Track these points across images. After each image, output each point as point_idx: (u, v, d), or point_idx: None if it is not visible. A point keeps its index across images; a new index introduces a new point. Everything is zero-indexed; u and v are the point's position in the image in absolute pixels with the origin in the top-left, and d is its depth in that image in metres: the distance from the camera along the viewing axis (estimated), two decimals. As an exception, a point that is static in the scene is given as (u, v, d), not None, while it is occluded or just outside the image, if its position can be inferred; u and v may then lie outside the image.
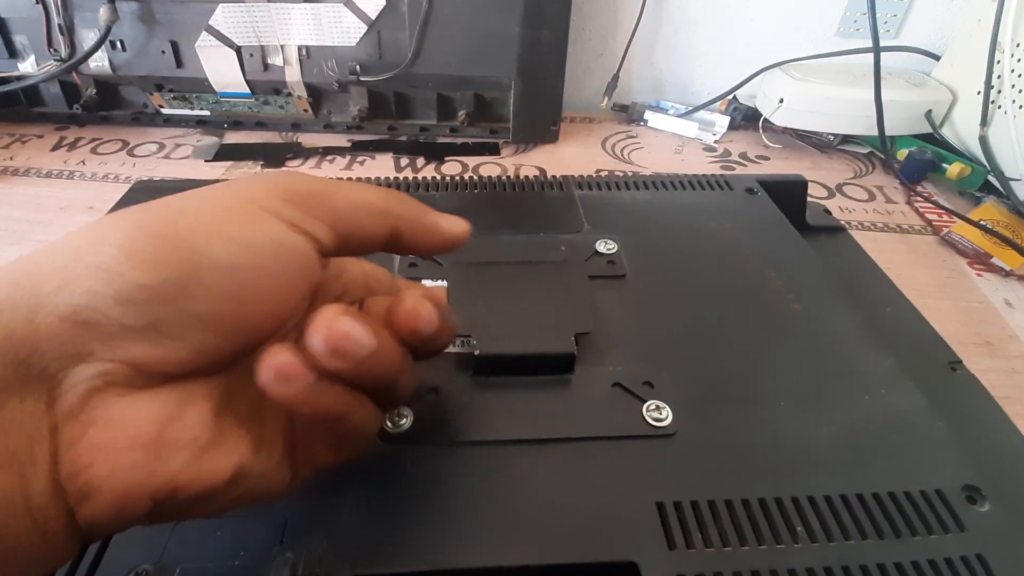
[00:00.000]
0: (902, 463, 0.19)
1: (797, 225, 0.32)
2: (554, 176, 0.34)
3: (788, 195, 0.33)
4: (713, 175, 0.35)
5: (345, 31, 0.45)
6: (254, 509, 0.15)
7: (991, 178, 0.45)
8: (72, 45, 0.47)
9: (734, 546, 0.17)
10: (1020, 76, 0.43)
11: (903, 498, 0.18)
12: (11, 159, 0.48)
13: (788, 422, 0.20)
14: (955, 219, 0.43)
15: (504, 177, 0.34)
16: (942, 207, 0.44)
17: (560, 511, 0.18)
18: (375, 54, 0.46)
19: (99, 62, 0.47)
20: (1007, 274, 0.39)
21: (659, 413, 0.20)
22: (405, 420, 0.20)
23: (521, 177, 0.34)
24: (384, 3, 0.44)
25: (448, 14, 0.44)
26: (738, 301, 0.26)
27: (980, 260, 0.40)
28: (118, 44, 0.47)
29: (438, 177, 0.34)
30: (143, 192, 0.32)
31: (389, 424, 0.19)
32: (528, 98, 0.49)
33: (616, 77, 0.55)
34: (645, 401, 0.20)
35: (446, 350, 0.20)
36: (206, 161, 0.48)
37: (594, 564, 0.16)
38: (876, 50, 0.45)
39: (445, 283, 0.25)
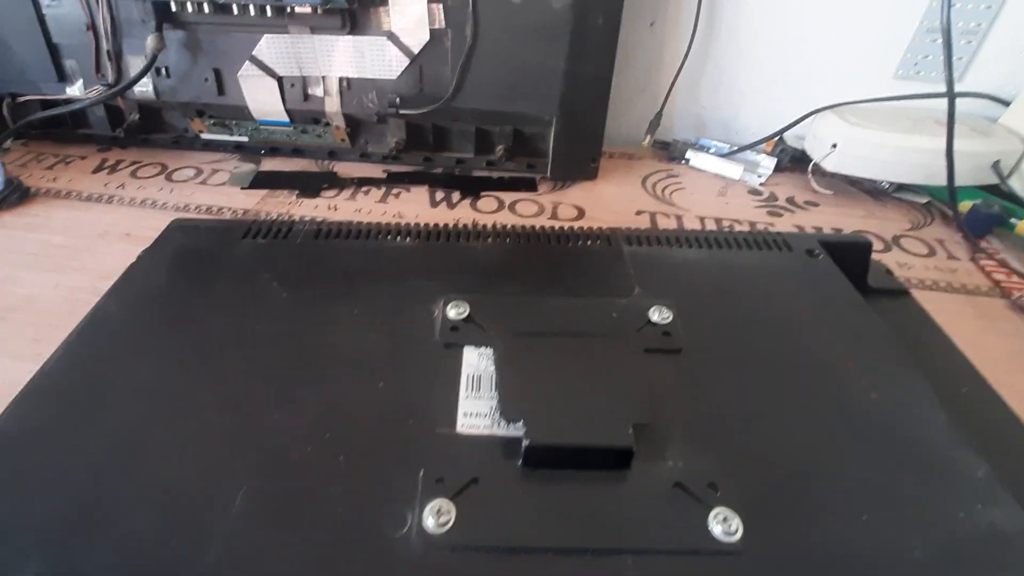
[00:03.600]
0: None
1: (858, 288, 0.30)
2: (600, 228, 0.32)
3: (851, 258, 0.31)
4: (770, 233, 0.32)
5: (387, 64, 0.45)
6: None
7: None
8: (119, 71, 0.47)
9: None
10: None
11: None
12: (54, 180, 0.48)
13: (872, 541, 0.18)
14: (1027, 281, 0.40)
15: (548, 229, 0.32)
16: (1011, 268, 0.41)
17: None
18: (416, 87, 0.46)
19: (144, 87, 0.48)
20: (1089, 347, 0.36)
21: (728, 525, 0.18)
22: (448, 519, 0.18)
23: (566, 228, 0.32)
24: (428, 38, 0.43)
25: (491, 49, 0.43)
26: (806, 384, 0.23)
27: (1058, 329, 0.37)
28: (163, 71, 0.47)
29: (479, 225, 0.32)
30: (180, 231, 0.32)
31: (432, 522, 0.18)
32: (568, 135, 0.47)
33: (659, 114, 0.53)
34: (711, 508, 0.18)
35: (493, 433, 0.18)
36: (242, 188, 0.48)
37: None
38: (951, 95, 0.43)
39: (492, 351, 0.23)
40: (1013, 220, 0.44)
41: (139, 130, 0.51)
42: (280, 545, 0.18)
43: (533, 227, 0.32)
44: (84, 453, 0.20)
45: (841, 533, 0.18)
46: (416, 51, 0.44)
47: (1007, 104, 0.48)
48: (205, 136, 0.51)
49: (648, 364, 0.23)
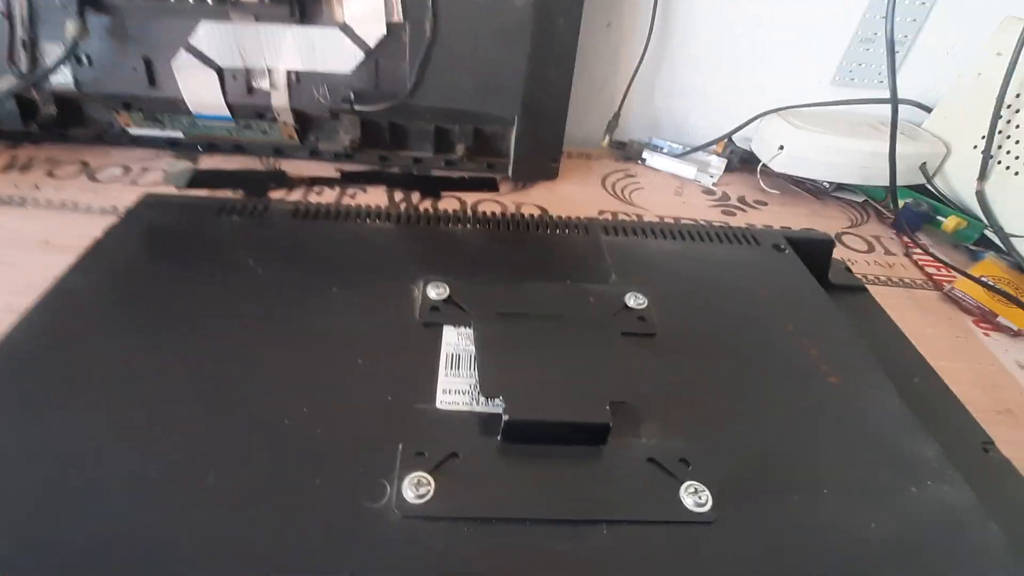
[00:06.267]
0: (951, 564, 0.18)
1: (820, 282, 0.31)
2: (579, 218, 0.32)
3: (814, 254, 0.32)
4: (740, 228, 0.33)
5: (340, 58, 0.42)
6: None
7: (988, 233, 0.46)
8: (34, 59, 0.42)
9: None
10: (1020, 134, 0.44)
11: None
12: (-48, 180, 0.43)
13: (833, 515, 0.19)
14: (955, 274, 0.43)
15: (528, 216, 0.32)
16: (941, 261, 0.45)
17: None
18: (371, 83, 0.44)
19: (62, 78, 0.43)
20: (1015, 334, 0.39)
21: (699, 498, 0.18)
22: (427, 491, 0.17)
23: (544, 217, 0.32)
24: (384, 31, 0.41)
25: (451, 45, 0.42)
26: (773, 368, 0.24)
27: (986, 319, 0.40)
28: (84, 59, 0.42)
29: (459, 211, 0.32)
30: (153, 208, 0.29)
31: (411, 494, 0.17)
32: (530, 135, 0.47)
33: (617, 115, 0.53)
34: (682, 482, 0.19)
35: (472, 409, 0.19)
36: (178, 188, 0.44)
37: None
38: (894, 101, 0.45)
39: (471, 331, 0.23)
40: (940, 218, 0.48)
41: (56, 124, 0.45)
42: (256, 518, 0.17)
43: (513, 214, 0.32)
44: (49, 430, 0.19)
45: (804, 506, 0.19)
46: (372, 45, 0.42)
47: (930, 110, 0.52)
48: (133, 131, 0.47)
49: (624, 346, 0.24)
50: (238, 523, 0.17)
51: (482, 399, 0.21)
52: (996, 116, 0.44)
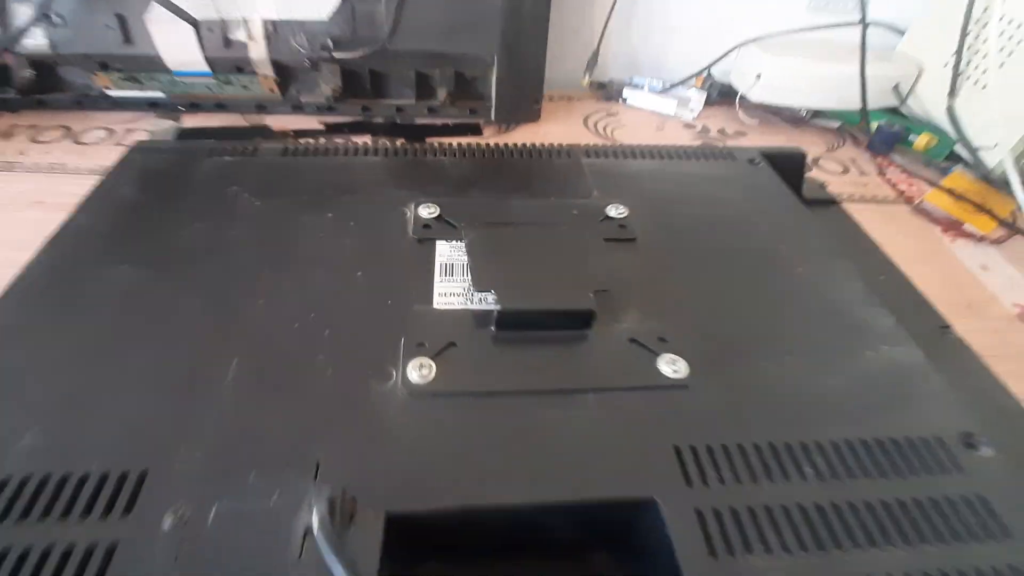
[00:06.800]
0: (903, 412, 0.20)
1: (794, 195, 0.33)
2: (560, 144, 0.33)
3: (788, 167, 0.34)
4: (716, 147, 0.35)
5: (316, 4, 0.42)
6: (286, 451, 0.17)
7: (957, 148, 0.47)
8: (4, 22, 0.42)
9: (747, 484, 0.17)
10: (996, 49, 0.45)
11: (905, 443, 0.19)
12: (-65, 149, 0.43)
13: (797, 375, 0.21)
14: (925, 189, 0.45)
15: (512, 144, 0.33)
16: (913, 177, 0.46)
17: (582, 454, 0.18)
18: (349, 29, 0.44)
19: (36, 40, 0.42)
20: (980, 239, 0.41)
21: (675, 367, 0.20)
22: (429, 372, 0.19)
23: (529, 144, 0.33)
24: (358, -27, 0.41)
25: (426, -14, 0.42)
26: (745, 265, 0.26)
27: (953, 227, 0.42)
28: (56, 19, 0.42)
29: (444, 144, 0.33)
30: (145, 153, 0.30)
31: (415, 375, 0.19)
32: (510, 76, 0.47)
33: (596, 54, 0.54)
34: (660, 354, 0.20)
35: (467, 308, 0.21)
36: (165, 147, 0.44)
37: (616, 501, 0.17)
38: (863, 23, 0.46)
39: (463, 243, 0.24)
40: (912, 137, 0.49)
41: (34, 90, 0.45)
42: (275, 406, 0.18)
43: (496, 144, 0.33)
44: (72, 342, 0.20)
45: (770, 369, 0.21)
46: (346, -12, 0.42)
47: (903, 33, 0.53)
48: (113, 93, 0.47)
49: (606, 248, 0.25)
50: (258, 410, 0.18)
51: (476, 298, 0.22)
52: (964, 33, 0.45)
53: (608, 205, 0.27)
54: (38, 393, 0.19)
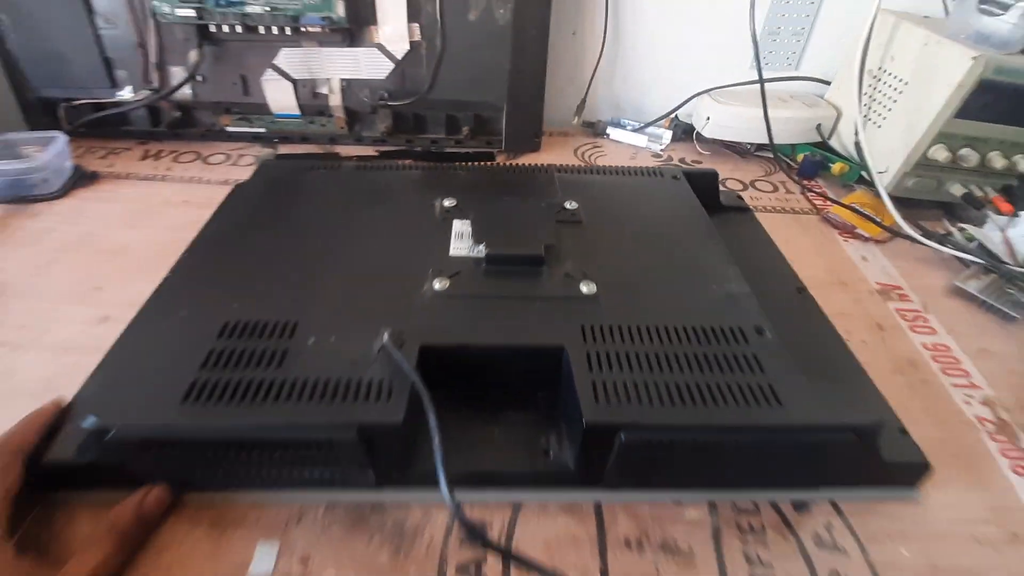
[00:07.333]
0: (724, 314, 0.34)
1: (713, 204, 0.47)
2: (540, 164, 0.48)
3: (703, 183, 0.48)
4: (651, 167, 0.50)
5: (377, 68, 0.60)
6: (368, 317, 0.31)
7: (863, 173, 0.60)
8: (163, 78, 0.60)
9: (618, 343, 0.31)
10: (887, 97, 0.59)
11: (719, 329, 0.32)
12: (111, 167, 0.61)
13: (663, 295, 0.35)
14: (831, 203, 0.58)
15: (507, 164, 0.48)
16: (828, 197, 0.60)
17: (531, 327, 0.32)
18: (399, 84, 0.61)
19: (183, 91, 0.61)
20: (866, 240, 0.54)
21: (589, 287, 0.35)
22: (446, 284, 0.34)
23: (516, 163, 0.49)
24: (408, 47, 0.58)
25: (456, 53, 0.59)
26: (651, 241, 0.41)
27: (848, 231, 0.55)
28: (199, 77, 0.60)
29: (468, 164, 0.49)
30: (268, 166, 0.48)
31: (438, 285, 0.34)
32: (516, 117, 0.63)
33: (583, 100, 0.70)
34: (581, 281, 0.35)
35: (469, 255, 0.36)
36: (265, 167, 0.61)
37: (546, 347, 0.31)
38: (761, 81, 0.61)
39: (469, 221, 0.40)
40: (831, 165, 0.63)
41: (176, 126, 0.63)
42: (360, 295, 0.34)
43: (498, 163, 0.49)
44: (242, 262, 0.37)
45: (651, 294, 0.35)
46: (400, 57, 0.59)
47: (828, 83, 0.68)
48: (230, 129, 0.65)
49: (560, 226, 0.40)
50: (352, 297, 0.34)
51: (475, 250, 0.37)
52: (860, 86, 0.59)
53: (566, 201, 0.42)
54: (229, 286, 0.34)
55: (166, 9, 0.55)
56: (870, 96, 0.60)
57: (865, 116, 0.60)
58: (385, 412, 0.27)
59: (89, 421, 0.27)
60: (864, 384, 0.34)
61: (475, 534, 0.27)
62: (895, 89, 0.57)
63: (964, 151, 0.53)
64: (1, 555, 0.24)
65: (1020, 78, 0.49)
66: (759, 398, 0.29)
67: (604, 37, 0.67)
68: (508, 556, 0.27)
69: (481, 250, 0.37)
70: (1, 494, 0.26)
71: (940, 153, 0.53)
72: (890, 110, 0.58)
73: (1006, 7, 0.49)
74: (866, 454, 0.30)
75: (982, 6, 0.50)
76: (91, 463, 0.27)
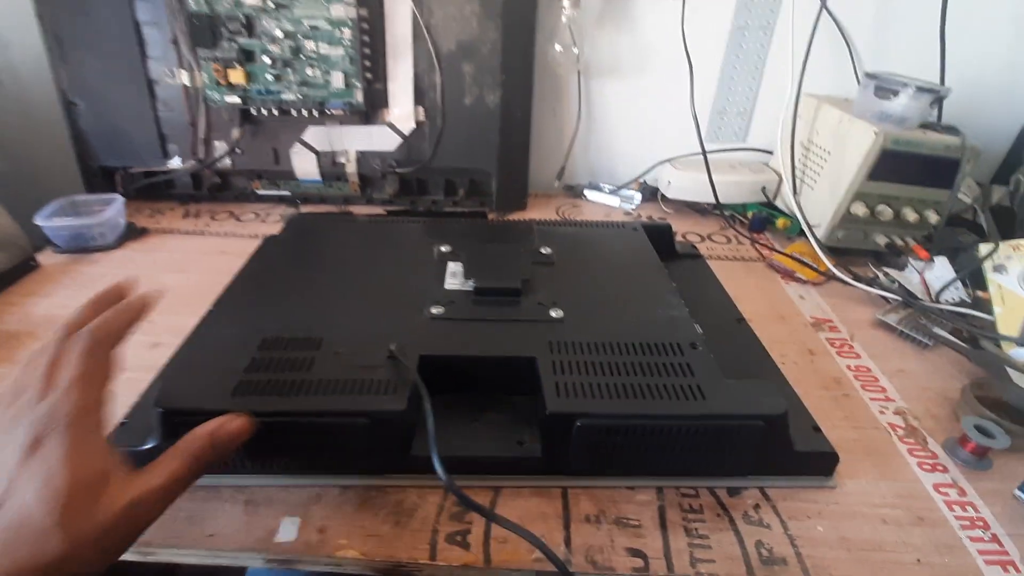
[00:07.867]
0: (666, 333, 0.42)
1: (669, 253, 0.57)
2: (523, 219, 0.58)
3: (658, 234, 0.58)
4: (615, 221, 0.59)
5: (388, 141, 0.71)
6: (377, 334, 0.39)
7: (803, 227, 0.70)
8: (207, 150, 0.71)
9: (579, 354, 0.39)
10: (816, 164, 0.70)
11: (662, 345, 0.40)
12: (157, 223, 0.71)
13: (618, 319, 0.43)
14: (775, 252, 0.68)
15: (496, 219, 0.59)
16: (772, 248, 0.69)
17: (509, 342, 0.40)
18: (406, 155, 0.72)
19: (222, 160, 0.72)
20: (803, 282, 0.63)
21: (556, 312, 0.43)
22: (442, 311, 0.43)
23: (504, 219, 0.59)
24: (414, 125, 0.70)
25: (453, 130, 0.71)
26: (611, 278, 0.49)
27: (788, 275, 0.64)
28: (237, 150, 0.72)
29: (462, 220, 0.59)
30: (296, 220, 0.58)
31: (435, 311, 0.43)
32: (505, 180, 0.74)
33: (563, 167, 0.81)
34: (550, 307, 0.43)
35: (461, 288, 0.44)
36: (289, 224, 0.72)
37: (520, 357, 0.39)
38: (704, 152, 0.73)
39: (461, 263, 0.49)
40: (775, 220, 0.73)
41: (214, 190, 0.74)
42: (372, 317, 0.42)
43: (488, 218, 0.59)
44: (274, 290, 0.46)
45: (607, 317, 0.44)
46: (407, 133, 0.71)
47: (771, 153, 0.79)
48: (260, 192, 0.75)
49: (536, 267, 0.49)
50: (364, 319, 0.42)
51: (465, 284, 0.46)
52: (792, 157, 0.70)
53: (542, 247, 0.52)
54: (266, 310, 0.43)
55: (217, 97, 0.67)
56: (803, 163, 0.71)
57: (800, 179, 0.71)
58: (390, 402, 0.35)
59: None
60: (782, 386, 0.42)
61: (464, 499, 0.34)
62: (821, 158, 0.68)
63: (880, 207, 0.64)
64: (99, 442, 0.25)
65: (915, 147, 0.60)
66: (688, 395, 0.37)
67: (579, 114, 0.79)
68: (491, 516, 0.34)
69: (470, 284, 0.46)
70: (98, 383, 0.27)
71: (860, 209, 0.63)
72: (819, 174, 0.68)
73: (896, 92, 0.61)
74: (777, 441, 0.37)
75: (878, 91, 0.62)
76: (156, 446, 0.34)
